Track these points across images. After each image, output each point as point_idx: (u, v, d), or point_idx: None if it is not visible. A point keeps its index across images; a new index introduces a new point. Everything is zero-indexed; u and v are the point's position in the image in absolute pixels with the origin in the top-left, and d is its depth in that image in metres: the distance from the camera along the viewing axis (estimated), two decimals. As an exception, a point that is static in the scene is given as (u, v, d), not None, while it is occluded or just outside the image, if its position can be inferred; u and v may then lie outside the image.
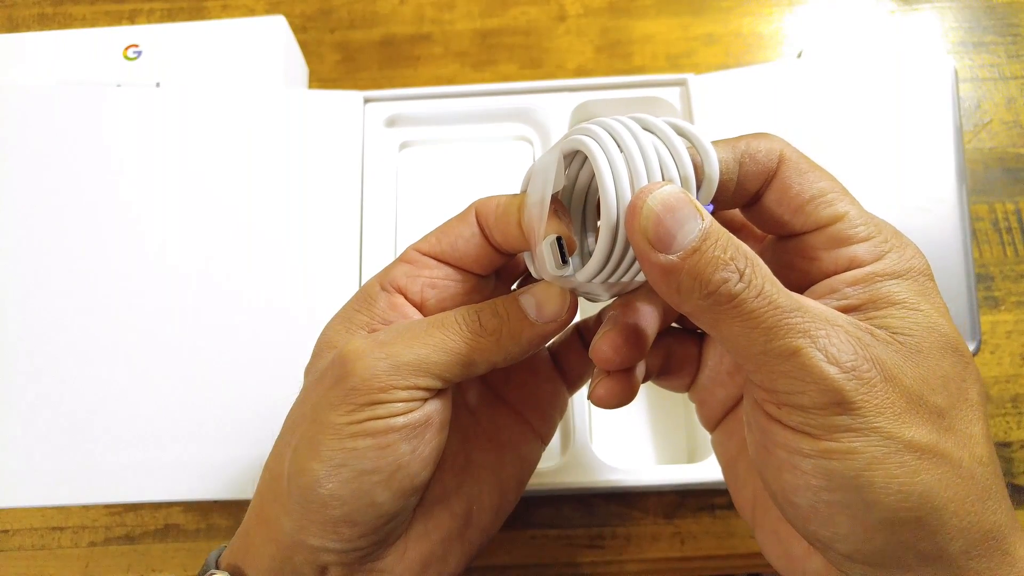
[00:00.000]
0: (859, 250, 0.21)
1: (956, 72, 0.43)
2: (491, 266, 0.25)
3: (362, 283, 0.34)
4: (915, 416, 0.19)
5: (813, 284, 0.22)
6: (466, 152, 0.38)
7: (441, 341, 0.22)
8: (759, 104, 0.37)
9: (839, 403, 0.18)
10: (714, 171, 0.21)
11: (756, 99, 0.37)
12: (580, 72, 0.45)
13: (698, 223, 0.18)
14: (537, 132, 0.38)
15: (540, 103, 0.38)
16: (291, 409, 0.24)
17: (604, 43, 0.46)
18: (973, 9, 0.46)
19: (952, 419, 0.19)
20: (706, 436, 0.34)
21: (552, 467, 0.32)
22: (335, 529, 0.21)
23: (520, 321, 0.23)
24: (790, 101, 0.37)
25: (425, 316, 0.24)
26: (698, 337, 0.27)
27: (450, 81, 0.45)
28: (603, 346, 0.23)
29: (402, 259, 0.24)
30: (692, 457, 0.35)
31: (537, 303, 0.23)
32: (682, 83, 0.38)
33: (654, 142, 0.20)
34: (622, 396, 0.24)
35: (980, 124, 0.43)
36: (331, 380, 0.22)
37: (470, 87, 0.38)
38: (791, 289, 0.19)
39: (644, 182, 0.19)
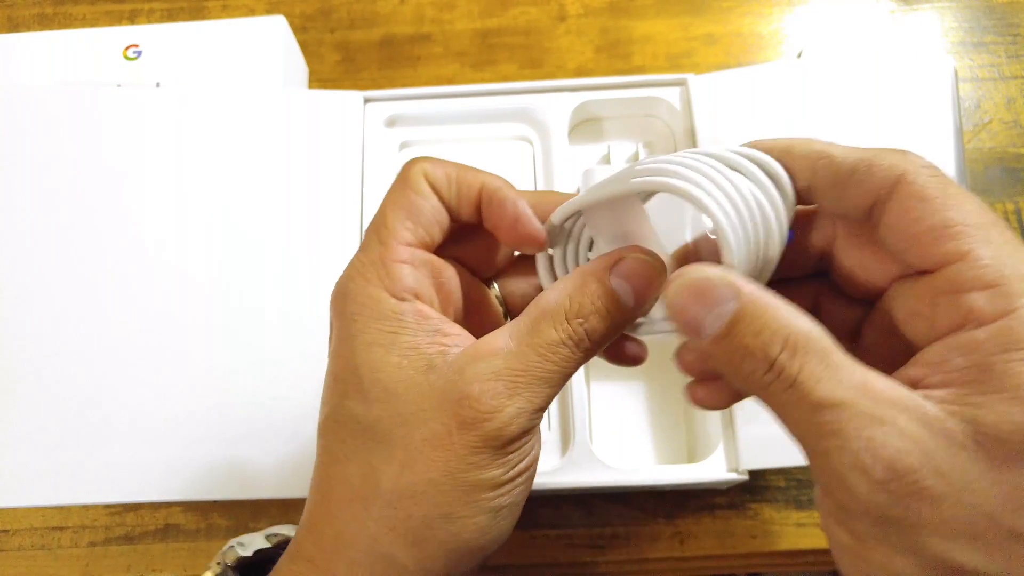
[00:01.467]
0: (978, 301, 0.17)
1: (956, 72, 0.43)
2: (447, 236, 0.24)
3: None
4: (977, 540, 0.15)
5: (930, 342, 0.18)
6: (466, 152, 0.38)
7: (558, 372, 0.20)
8: (759, 104, 0.37)
9: (872, 516, 0.16)
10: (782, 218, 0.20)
11: (756, 99, 0.37)
12: (580, 72, 0.45)
13: (730, 306, 0.17)
14: (537, 132, 0.38)
15: (540, 103, 0.38)
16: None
17: (604, 43, 0.46)
18: (973, 9, 0.46)
19: None
20: (706, 435, 0.34)
21: (552, 467, 0.32)
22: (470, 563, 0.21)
23: (623, 313, 0.21)
24: (790, 101, 0.37)
25: (446, 316, 0.22)
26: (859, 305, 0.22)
27: (450, 81, 0.45)
28: (686, 355, 0.22)
29: (396, 258, 0.22)
30: (692, 457, 0.35)
31: (634, 289, 0.21)
32: (682, 83, 0.38)
33: (752, 191, 0.19)
34: (719, 399, 0.22)
35: (980, 124, 0.43)
36: (456, 423, 0.20)
37: (470, 87, 0.38)
38: (912, 346, 0.17)
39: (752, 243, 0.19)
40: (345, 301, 0.22)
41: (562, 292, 0.21)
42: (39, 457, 0.31)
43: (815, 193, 0.20)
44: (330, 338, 0.23)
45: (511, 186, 0.24)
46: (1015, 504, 0.15)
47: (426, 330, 0.21)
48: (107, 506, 0.37)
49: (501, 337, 0.21)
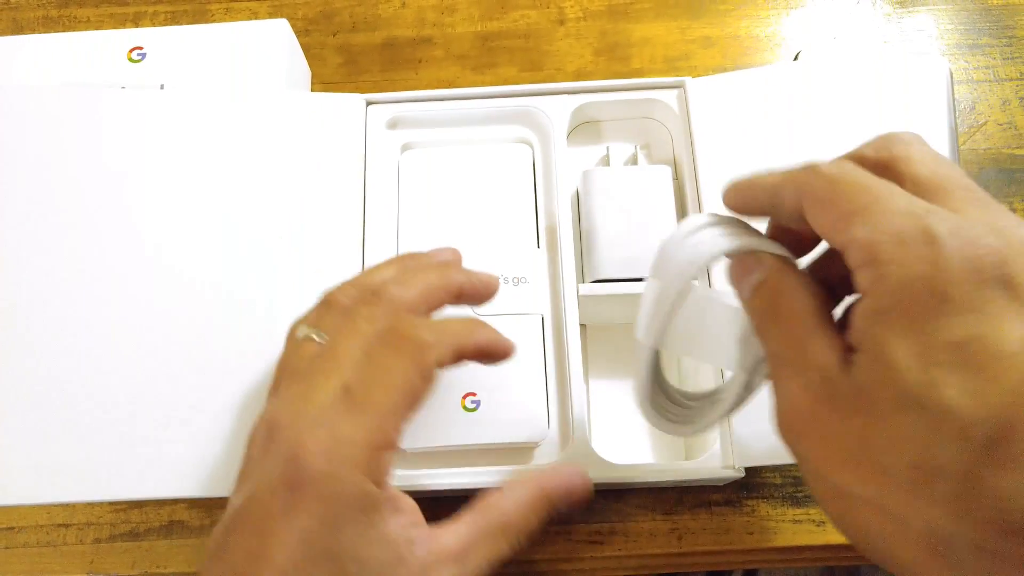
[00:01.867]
0: (859, 279, 0.19)
1: (951, 74, 0.43)
2: None
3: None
4: (853, 471, 0.19)
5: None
6: (467, 154, 0.38)
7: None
8: (757, 106, 0.37)
9: (785, 444, 0.21)
10: None
11: (754, 101, 0.37)
12: (579, 75, 0.46)
13: (755, 275, 0.23)
14: (537, 134, 0.39)
15: (540, 106, 0.38)
16: None
17: (603, 46, 0.47)
18: (969, 12, 0.47)
19: (904, 477, 0.18)
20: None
21: (551, 464, 0.32)
22: None
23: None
24: (786, 103, 0.37)
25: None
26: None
27: (451, 84, 0.46)
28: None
29: (387, 445, 0.24)
30: (689, 454, 0.35)
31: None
32: (680, 85, 0.38)
33: None
34: None
35: (975, 125, 0.44)
36: None
37: (471, 90, 0.38)
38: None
39: None
40: (329, 483, 0.23)
41: (515, 503, 0.27)
42: (44, 455, 0.32)
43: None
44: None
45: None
46: (872, 439, 0.18)
47: (399, 522, 0.24)
48: (112, 503, 0.37)
49: (454, 540, 0.25)
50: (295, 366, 0.27)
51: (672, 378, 0.31)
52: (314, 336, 0.27)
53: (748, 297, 0.23)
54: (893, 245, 0.18)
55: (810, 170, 0.21)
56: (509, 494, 0.27)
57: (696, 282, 0.24)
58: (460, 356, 0.26)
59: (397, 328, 0.25)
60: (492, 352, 0.27)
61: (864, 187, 0.20)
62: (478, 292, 0.30)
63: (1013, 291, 0.17)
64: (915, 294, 0.18)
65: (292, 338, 0.28)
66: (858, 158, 0.22)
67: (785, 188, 0.22)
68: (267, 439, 0.24)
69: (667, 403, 0.27)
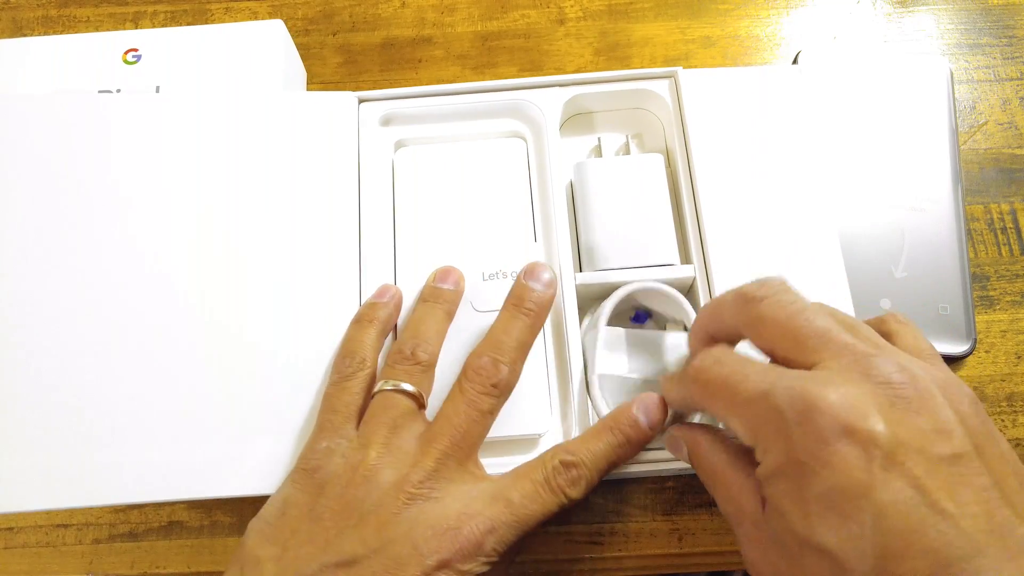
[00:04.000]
0: (752, 449, 0.24)
1: (952, 74, 0.43)
2: None
3: (362, 282, 0.35)
4: None
5: None
6: (461, 149, 0.38)
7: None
8: (754, 104, 0.37)
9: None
10: None
11: (750, 99, 0.37)
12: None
13: (683, 451, 0.28)
14: (530, 127, 0.39)
15: (532, 99, 0.38)
16: None
17: (603, 46, 0.47)
18: (969, 11, 0.47)
19: None
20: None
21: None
22: None
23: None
24: (784, 100, 0.37)
25: None
26: None
27: (450, 83, 0.46)
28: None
29: None
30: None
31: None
32: (671, 76, 0.38)
33: None
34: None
35: (975, 125, 0.44)
36: None
37: (462, 85, 0.38)
38: None
39: None
40: None
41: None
42: (41, 461, 0.31)
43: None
44: None
45: None
46: None
47: None
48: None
49: None
50: None
51: None
52: None
53: (688, 463, 0.28)
54: (756, 430, 0.23)
55: (686, 379, 0.26)
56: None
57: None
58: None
59: None
60: None
61: (718, 383, 0.24)
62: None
63: (850, 438, 0.20)
64: (782, 467, 0.21)
65: None
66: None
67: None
68: None
69: None
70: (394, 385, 0.30)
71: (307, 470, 0.29)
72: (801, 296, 0.24)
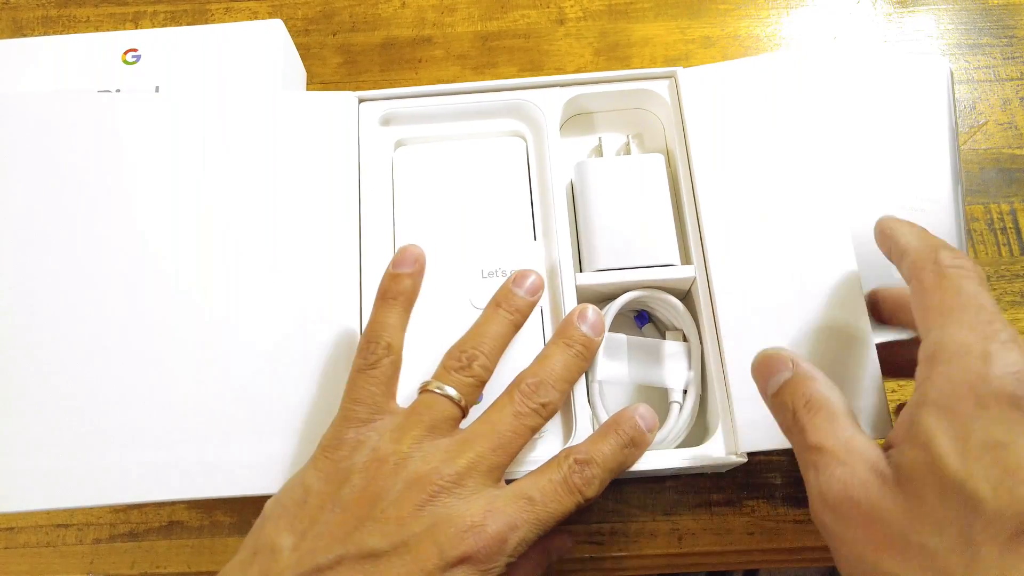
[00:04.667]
0: (919, 370, 0.24)
1: (952, 74, 0.43)
2: None
3: (362, 281, 0.35)
4: (896, 554, 0.21)
5: None
6: (460, 148, 0.38)
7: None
8: (751, 96, 0.37)
9: (824, 530, 0.24)
10: None
11: (748, 91, 0.37)
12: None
13: (784, 375, 0.26)
14: (530, 127, 0.39)
15: (532, 98, 0.38)
16: None
17: (603, 46, 0.47)
18: (969, 11, 0.47)
19: (947, 561, 0.20)
20: (704, 420, 0.34)
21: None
22: None
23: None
24: (782, 96, 0.37)
25: None
26: None
27: (450, 83, 0.46)
28: None
29: None
30: (692, 442, 0.34)
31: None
32: (671, 76, 0.38)
33: None
34: None
35: (976, 125, 0.44)
36: None
37: (462, 85, 0.38)
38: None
39: None
40: None
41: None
42: (42, 461, 0.31)
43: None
44: None
45: None
46: (919, 528, 0.21)
47: None
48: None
49: None
50: None
51: None
52: None
53: (773, 393, 0.27)
54: (954, 351, 0.22)
55: (934, 254, 0.26)
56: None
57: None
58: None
59: None
60: None
61: (962, 293, 0.24)
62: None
63: None
64: (960, 395, 0.21)
65: None
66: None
67: (913, 255, 0.27)
68: None
69: None
70: (442, 390, 0.29)
71: (332, 459, 0.28)
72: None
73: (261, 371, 0.33)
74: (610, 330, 0.34)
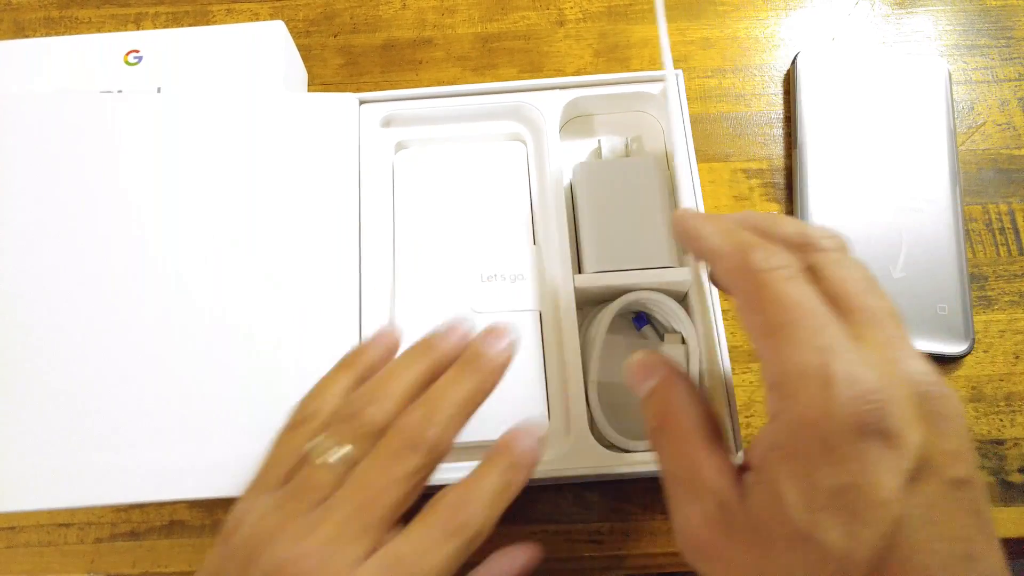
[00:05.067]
0: (768, 399, 0.22)
1: (950, 74, 0.44)
2: None
3: (362, 282, 0.35)
4: None
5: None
6: (461, 150, 0.38)
7: None
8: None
9: (686, 559, 0.23)
10: None
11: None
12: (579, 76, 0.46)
13: (649, 382, 0.25)
14: (530, 129, 0.39)
15: (532, 101, 0.38)
16: None
17: (602, 47, 0.47)
18: (967, 12, 0.47)
19: None
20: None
21: (552, 456, 0.32)
22: None
23: None
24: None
25: None
26: None
27: (451, 85, 0.46)
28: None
29: None
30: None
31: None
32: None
33: None
34: None
35: (974, 126, 0.44)
36: None
37: (462, 87, 0.39)
38: None
39: None
40: None
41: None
42: (43, 461, 0.31)
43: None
44: None
45: None
46: (767, 567, 0.20)
47: None
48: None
49: None
50: None
51: None
52: None
53: (643, 399, 0.25)
54: (794, 381, 0.20)
55: (744, 259, 0.23)
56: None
57: None
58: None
59: None
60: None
61: (785, 303, 0.22)
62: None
63: (888, 442, 0.19)
64: (806, 438, 0.20)
65: None
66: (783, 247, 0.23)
67: (721, 261, 0.24)
68: None
69: None
70: (324, 450, 0.25)
71: (224, 533, 0.25)
72: (863, 265, 0.23)
73: (261, 372, 0.33)
74: (609, 332, 0.34)
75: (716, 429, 0.24)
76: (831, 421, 0.19)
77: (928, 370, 0.21)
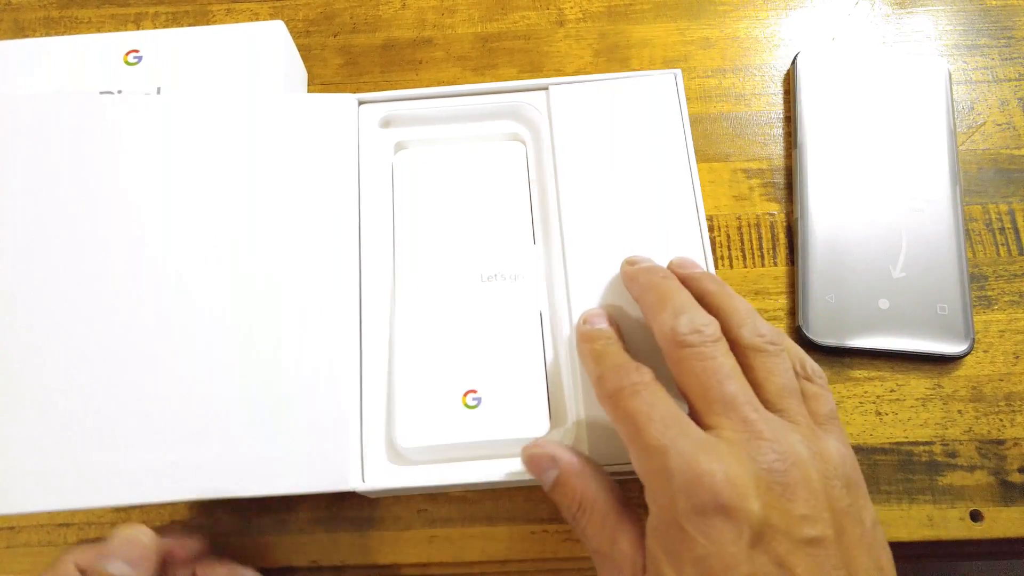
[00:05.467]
0: (645, 494, 0.25)
1: (950, 74, 0.44)
2: None
3: (362, 283, 0.35)
4: None
5: None
6: (460, 151, 0.38)
7: None
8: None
9: None
10: None
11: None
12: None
13: (551, 473, 0.28)
14: (528, 129, 0.39)
15: (531, 101, 0.38)
16: None
17: (602, 47, 0.47)
18: (967, 12, 0.47)
19: None
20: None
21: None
22: None
23: None
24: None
25: None
26: None
27: (451, 85, 0.46)
28: None
29: None
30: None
31: None
32: (671, 76, 0.38)
33: None
34: None
35: (974, 126, 0.44)
36: None
37: (461, 87, 0.39)
38: None
39: None
40: None
41: None
42: (43, 462, 0.31)
43: None
44: None
45: None
46: None
47: None
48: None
49: None
50: None
51: None
52: None
53: (548, 490, 0.28)
54: (650, 480, 0.25)
55: (670, 329, 0.27)
56: None
57: None
58: None
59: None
60: None
61: (633, 416, 0.26)
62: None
63: (727, 515, 0.23)
64: (666, 523, 0.24)
65: None
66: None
67: (652, 326, 0.28)
68: None
69: None
70: None
71: None
72: (721, 351, 0.26)
73: (261, 372, 0.33)
74: None
75: (622, 498, 0.27)
76: (676, 508, 0.23)
77: (778, 446, 0.24)
